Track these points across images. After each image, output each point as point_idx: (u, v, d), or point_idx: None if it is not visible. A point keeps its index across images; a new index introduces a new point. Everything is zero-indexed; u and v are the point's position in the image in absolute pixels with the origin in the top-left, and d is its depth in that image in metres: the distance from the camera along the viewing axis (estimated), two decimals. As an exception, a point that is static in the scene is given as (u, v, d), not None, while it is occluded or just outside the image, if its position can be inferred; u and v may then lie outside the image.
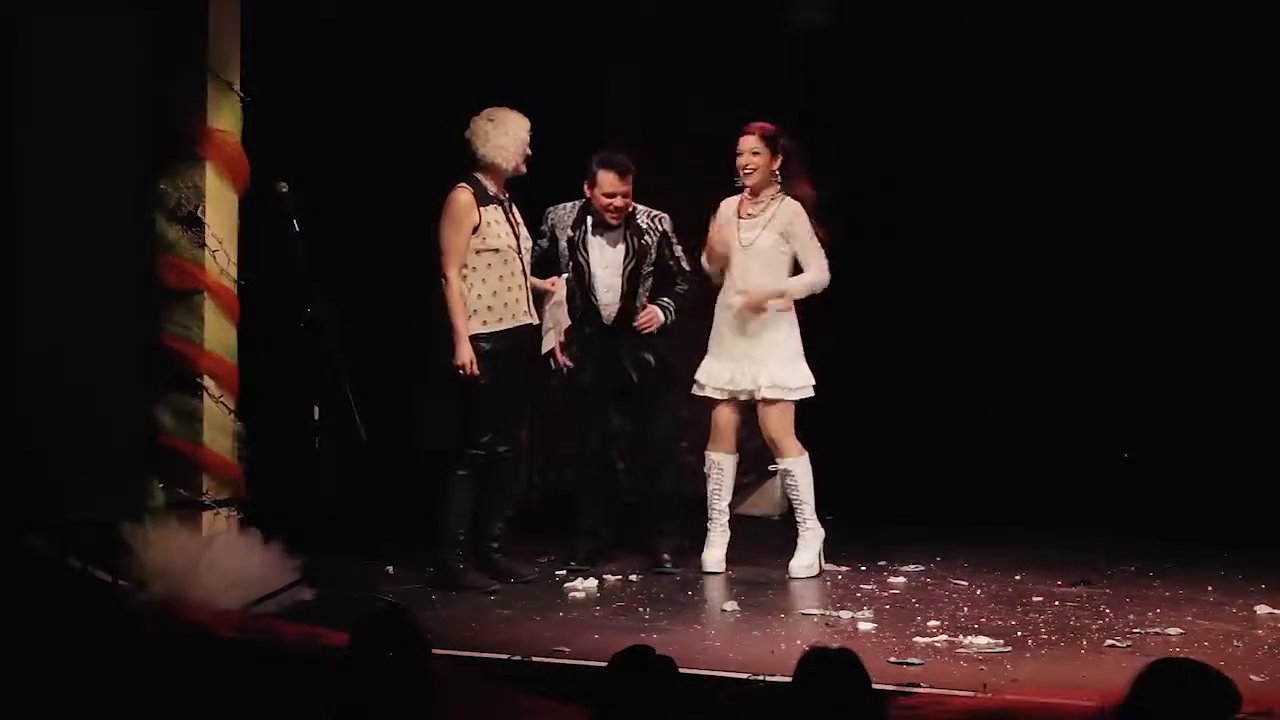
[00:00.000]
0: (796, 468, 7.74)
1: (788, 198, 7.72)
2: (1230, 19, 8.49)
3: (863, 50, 9.19)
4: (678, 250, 7.92)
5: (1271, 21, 8.41)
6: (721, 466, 7.87)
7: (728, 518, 7.90)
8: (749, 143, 7.72)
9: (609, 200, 7.76)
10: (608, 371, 7.90)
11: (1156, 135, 8.86)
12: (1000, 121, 9.02)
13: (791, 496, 7.84)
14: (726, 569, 7.83)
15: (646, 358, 7.90)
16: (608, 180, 7.75)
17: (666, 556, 7.94)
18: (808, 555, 7.77)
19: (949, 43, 9.02)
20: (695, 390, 7.85)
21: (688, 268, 7.93)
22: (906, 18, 9.04)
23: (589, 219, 7.84)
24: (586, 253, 7.83)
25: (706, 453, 7.92)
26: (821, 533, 7.80)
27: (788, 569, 7.72)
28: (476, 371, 7.35)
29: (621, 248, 7.85)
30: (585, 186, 7.81)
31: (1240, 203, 8.85)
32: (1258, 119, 8.74)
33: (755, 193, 7.75)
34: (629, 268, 7.84)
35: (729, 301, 7.76)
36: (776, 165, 7.73)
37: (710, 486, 7.90)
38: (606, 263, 7.84)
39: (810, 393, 7.73)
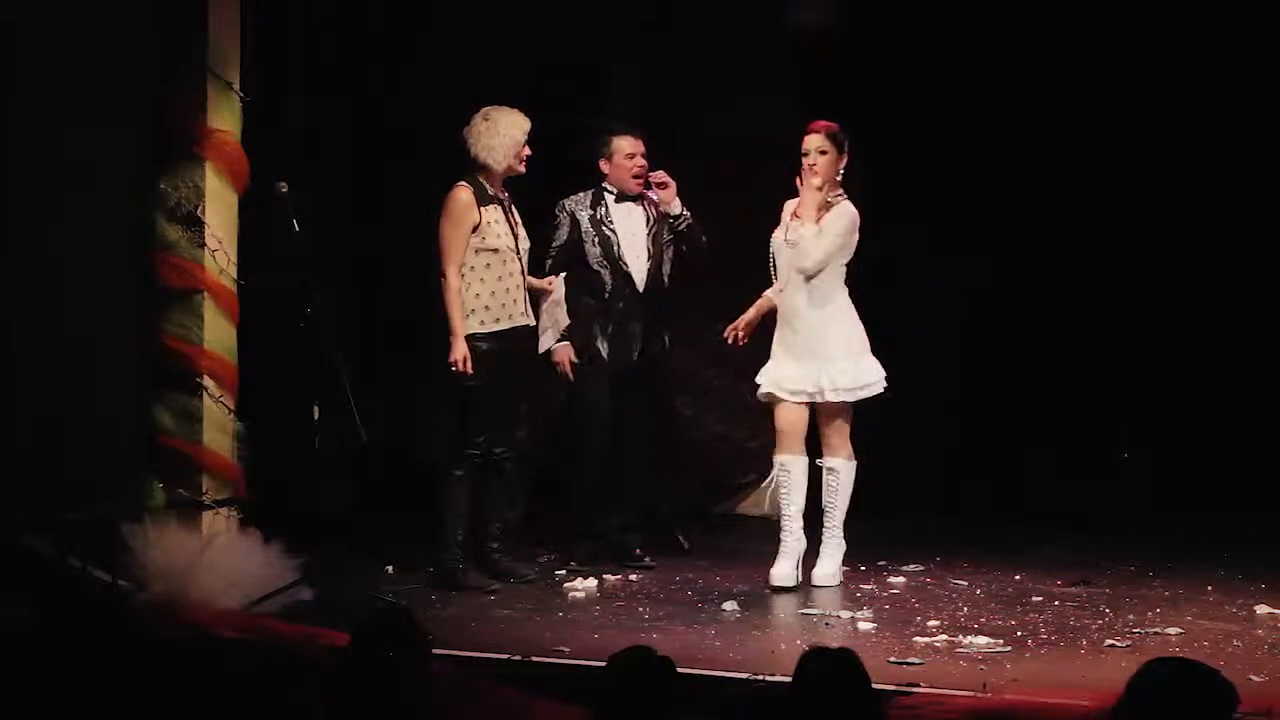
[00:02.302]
0: (843, 470, 7.44)
1: (847, 201, 7.41)
2: (1230, 19, 8.49)
3: (863, 50, 9.18)
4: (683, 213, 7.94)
5: (1272, 21, 8.41)
6: (790, 469, 7.45)
7: (800, 525, 7.47)
8: (815, 141, 7.37)
9: (631, 162, 7.89)
10: (620, 358, 7.89)
11: (1157, 135, 8.85)
12: (1001, 122, 9.01)
13: (828, 498, 7.48)
14: (728, 570, 7.79)
15: (664, 336, 7.98)
16: (627, 143, 7.91)
17: (638, 550, 7.95)
18: (831, 564, 7.47)
19: (949, 43, 9.02)
20: (765, 396, 7.49)
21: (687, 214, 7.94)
22: (906, 18, 9.04)
23: (606, 196, 7.94)
24: (613, 223, 7.90)
25: (775, 456, 7.54)
26: (844, 545, 7.51)
27: (810, 577, 7.46)
28: (469, 369, 7.34)
29: (641, 213, 7.96)
30: (600, 163, 7.92)
31: (1240, 202, 8.84)
32: (1258, 119, 8.74)
33: (819, 191, 7.38)
34: (653, 231, 7.94)
35: (783, 304, 7.47)
36: (843, 164, 7.42)
37: (780, 492, 7.50)
38: (633, 230, 7.94)
39: (880, 388, 7.41)
